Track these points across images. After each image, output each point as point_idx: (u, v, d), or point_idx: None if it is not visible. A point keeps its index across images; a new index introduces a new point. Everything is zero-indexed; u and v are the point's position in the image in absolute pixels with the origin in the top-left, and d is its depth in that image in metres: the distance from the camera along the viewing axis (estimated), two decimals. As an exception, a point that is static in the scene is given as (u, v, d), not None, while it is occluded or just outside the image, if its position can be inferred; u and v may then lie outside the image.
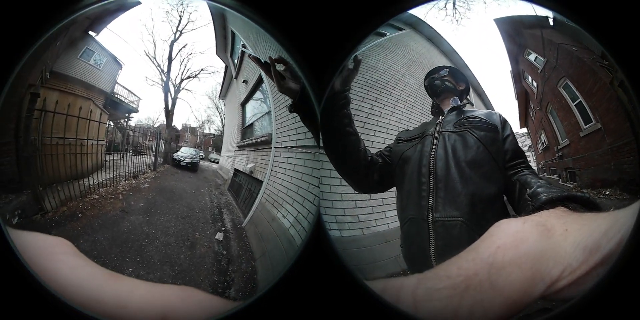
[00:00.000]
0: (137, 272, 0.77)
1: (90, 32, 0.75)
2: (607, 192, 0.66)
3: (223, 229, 0.89)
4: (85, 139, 0.81)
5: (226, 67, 1.01)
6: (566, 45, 0.69)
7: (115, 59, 0.85)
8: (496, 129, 0.82)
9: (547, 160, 0.81)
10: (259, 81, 0.93)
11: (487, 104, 0.91)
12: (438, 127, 0.86)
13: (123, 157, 0.96)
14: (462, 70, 0.92)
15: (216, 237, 0.86)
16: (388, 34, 0.94)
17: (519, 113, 0.83)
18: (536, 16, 0.68)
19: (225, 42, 0.96)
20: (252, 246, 0.84)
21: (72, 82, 0.78)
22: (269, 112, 0.94)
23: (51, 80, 0.71)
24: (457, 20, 0.80)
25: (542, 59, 0.75)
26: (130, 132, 0.98)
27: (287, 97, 0.76)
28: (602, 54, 0.62)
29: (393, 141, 0.92)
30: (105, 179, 0.89)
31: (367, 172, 0.86)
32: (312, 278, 0.57)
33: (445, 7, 0.78)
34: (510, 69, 0.81)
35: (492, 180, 0.79)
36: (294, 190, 0.81)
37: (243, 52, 0.94)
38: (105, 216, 0.82)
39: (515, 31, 0.75)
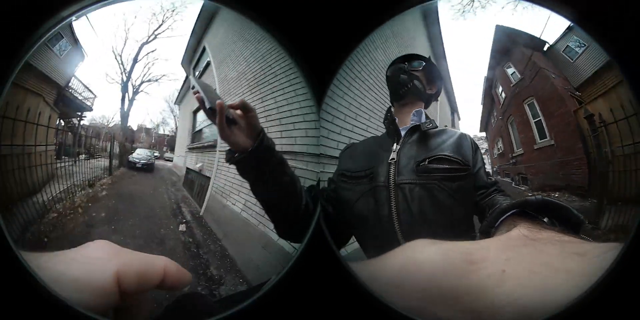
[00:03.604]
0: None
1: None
2: (556, 195, 0.66)
3: (184, 220, 0.94)
4: (33, 145, 0.72)
5: (186, 77, 1.03)
6: (547, 70, 0.71)
7: (79, 48, 0.77)
8: (467, 168, 0.68)
9: (502, 165, 0.80)
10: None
11: (452, 103, 0.84)
12: (392, 172, 0.67)
13: (75, 162, 0.92)
14: (439, 61, 0.77)
15: (180, 229, 0.91)
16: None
17: (481, 118, 0.81)
18: (536, 37, 0.67)
19: (193, 55, 0.99)
20: (214, 230, 0.91)
21: (28, 71, 0.63)
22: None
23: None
24: (463, 12, 0.72)
25: (518, 75, 0.76)
26: (83, 133, 0.93)
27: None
28: (578, 87, 0.65)
29: (336, 175, 0.74)
30: (59, 191, 0.84)
31: (294, 222, 0.65)
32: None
33: (466, -5, 0.71)
34: (485, 74, 0.79)
35: (465, 227, 0.68)
36: (239, 183, 0.86)
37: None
38: (71, 235, 0.81)
39: (508, 43, 0.73)
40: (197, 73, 1.02)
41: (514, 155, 0.77)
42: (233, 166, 0.64)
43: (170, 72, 0.97)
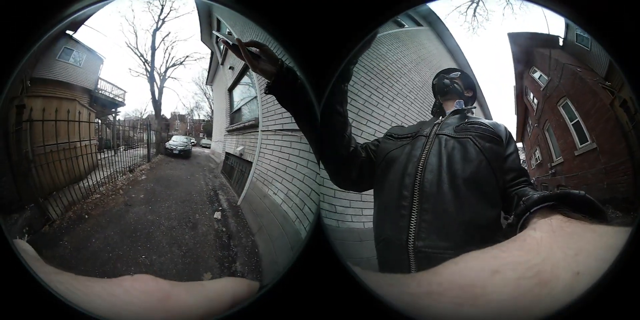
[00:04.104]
0: (150, 257, 0.82)
1: (68, 31, 0.73)
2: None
3: (220, 208, 0.94)
4: (77, 141, 0.81)
5: (212, 53, 1.00)
6: (571, 65, 0.70)
7: (95, 53, 0.83)
8: (501, 143, 0.74)
9: (540, 176, 0.78)
10: (246, 67, 0.92)
11: (487, 114, 0.87)
12: (435, 128, 0.78)
13: (116, 153, 0.97)
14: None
15: (214, 216, 0.92)
16: (406, 26, 0.92)
17: (517, 128, 0.81)
18: (548, 35, 0.68)
19: (210, 29, 0.95)
20: (249, 222, 0.91)
21: (53, 85, 0.76)
22: (255, 97, 0.97)
23: (32, 88, 0.69)
24: (473, 29, 0.78)
25: (546, 77, 0.75)
26: (120, 127, 0.97)
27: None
28: (606, 76, 0.62)
29: (383, 135, 0.84)
30: (103, 177, 0.91)
31: (345, 165, 0.79)
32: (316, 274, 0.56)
33: (466, 12, 0.77)
34: (514, 84, 0.80)
35: (492, 203, 0.68)
36: (282, 169, 0.86)
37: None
38: (111, 212, 0.86)
39: (526, 48, 0.74)
40: (221, 46, 0.99)
41: (553, 164, 0.75)
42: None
43: (193, 51, 0.97)
